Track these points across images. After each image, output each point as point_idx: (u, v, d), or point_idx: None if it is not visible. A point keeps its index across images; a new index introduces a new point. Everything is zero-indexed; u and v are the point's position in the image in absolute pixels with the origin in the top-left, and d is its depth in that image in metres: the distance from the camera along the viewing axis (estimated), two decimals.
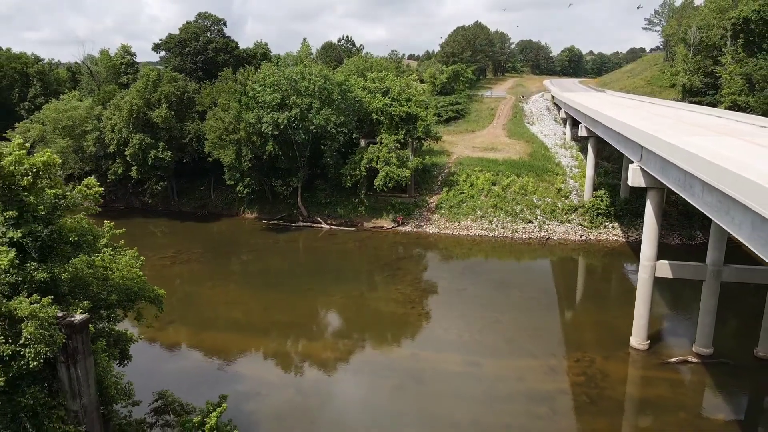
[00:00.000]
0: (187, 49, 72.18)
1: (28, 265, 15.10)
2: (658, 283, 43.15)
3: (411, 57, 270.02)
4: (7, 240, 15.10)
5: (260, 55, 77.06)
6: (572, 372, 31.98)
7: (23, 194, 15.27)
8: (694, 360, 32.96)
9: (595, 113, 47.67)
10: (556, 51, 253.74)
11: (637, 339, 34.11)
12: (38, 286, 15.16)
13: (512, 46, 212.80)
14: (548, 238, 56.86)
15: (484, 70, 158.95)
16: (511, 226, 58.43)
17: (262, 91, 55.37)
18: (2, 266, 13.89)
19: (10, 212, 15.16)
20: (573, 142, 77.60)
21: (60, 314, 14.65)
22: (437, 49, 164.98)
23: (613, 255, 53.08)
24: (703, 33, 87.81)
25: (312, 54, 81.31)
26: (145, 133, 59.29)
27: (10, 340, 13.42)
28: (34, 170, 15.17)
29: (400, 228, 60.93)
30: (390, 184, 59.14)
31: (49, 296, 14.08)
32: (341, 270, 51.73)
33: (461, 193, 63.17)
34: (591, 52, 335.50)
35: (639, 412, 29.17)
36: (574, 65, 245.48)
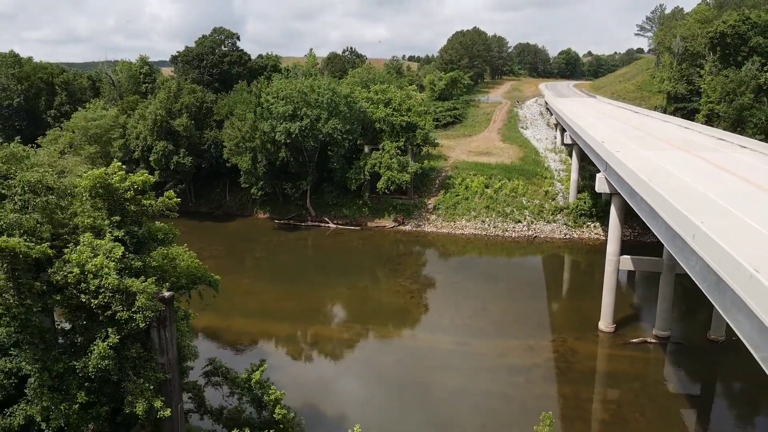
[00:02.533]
0: (204, 62, 77.86)
1: (128, 256, 20.58)
2: (630, 276, 48.91)
3: (411, 58, 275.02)
4: (113, 237, 20.61)
5: (271, 67, 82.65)
6: (547, 350, 37.53)
7: (126, 204, 20.79)
8: (653, 341, 38.46)
9: (577, 126, 53.06)
10: (556, 51, 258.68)
11: (605, 323, 39.64)
12: (134, 272, 20.66)
13: (510, 50, 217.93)
14: (535, 236, 62.36)
15: (481, 74, 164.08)
16: (501, 226, 63.92)
17: (276, 102, 60.92)
18: (117, 256, 19.38)
19: (116, 217, 20.71)
20: (563, 146, 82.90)
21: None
22: (437, 53, 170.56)
23: (593, 252, 58.52)
24: (687, 43, 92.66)
25: (318, 63, 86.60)
26: (168, 141, 64.84)
27: (125, 308, 18.93)
28: (135, 186, 20.70)
29: (401, 227, 66.43)
30: (391, 187, 64.65)
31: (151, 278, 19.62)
32: (347, 265, 57.21)
33: (457, 195, 68.68)
34: (590, 53, 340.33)
35: (600, 381, 34.86)
36: (570, 67, 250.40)
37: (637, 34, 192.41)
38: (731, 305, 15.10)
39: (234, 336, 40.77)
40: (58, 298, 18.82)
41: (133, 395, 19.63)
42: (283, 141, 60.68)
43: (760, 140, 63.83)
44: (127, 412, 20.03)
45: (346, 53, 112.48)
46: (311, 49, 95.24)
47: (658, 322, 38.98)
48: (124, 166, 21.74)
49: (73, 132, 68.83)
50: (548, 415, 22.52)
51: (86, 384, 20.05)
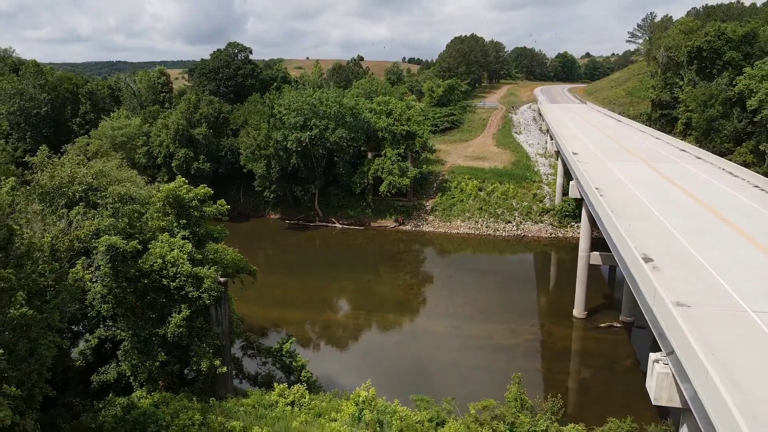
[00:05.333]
0: (220, 75, 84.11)
1: (192, 250, 26.73)
2: (611, 270, 54.93)
3: (411, 60, 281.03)
4: (181, 236, 26.79)
5: (280, 78, 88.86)
6: (527, 333, 43.68)
7: (190, 210, 26.97)
8: (619, 325, 44.59)
9: (559, 137, 59.17)
10: (555, 51, 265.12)
11: (578, 310, 45.73)
12: (196, 263, 26.81)
13: (507, 53, 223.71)
14: (524, 235, 68.54)
15: (479, 79, 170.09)
16: (493, 226, 70.08)
17: (288, 114, 67.14)
18: (188, 250, 25.53)
19: (183, 220, 26.91)
20: (553, 150, 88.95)
21: None
22: (436, 57, 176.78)
23: (575, 249, 64.17)
24: (671, 53, 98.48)
25: (323, 73, 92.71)
26: (188, 148, 71.04)
27: (195, 289, 25.08)
28: (198, 197, 26.90)
29: (401, 227, 72.62)
30: (393, 190, 70.87)
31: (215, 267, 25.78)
32: (352, 261, 63.33)
33: (453, 198, 74.85)
34: (588, 54, 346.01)
35: (570, 358, 41.03)
36: (567, 71, 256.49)
37: (628, 41, 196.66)
38: (635, 287, 21.18)
39: (256, 321, 46.79)
40: (146, 281, 24.98)
41: (198, 356, 25.84)
42: (294, 149, 66.90)
43: (728, 148, 70.39)
44: (194, 369, 26.28)
45: (350, 63, 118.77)
46: (317, 61, 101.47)
47: (623, 310, 45.02)
48: (186, 181, 27.96)
49: (100, 139, 74.96)
50: (517, 375, 28.76)
51: (159, 349, 26.26)
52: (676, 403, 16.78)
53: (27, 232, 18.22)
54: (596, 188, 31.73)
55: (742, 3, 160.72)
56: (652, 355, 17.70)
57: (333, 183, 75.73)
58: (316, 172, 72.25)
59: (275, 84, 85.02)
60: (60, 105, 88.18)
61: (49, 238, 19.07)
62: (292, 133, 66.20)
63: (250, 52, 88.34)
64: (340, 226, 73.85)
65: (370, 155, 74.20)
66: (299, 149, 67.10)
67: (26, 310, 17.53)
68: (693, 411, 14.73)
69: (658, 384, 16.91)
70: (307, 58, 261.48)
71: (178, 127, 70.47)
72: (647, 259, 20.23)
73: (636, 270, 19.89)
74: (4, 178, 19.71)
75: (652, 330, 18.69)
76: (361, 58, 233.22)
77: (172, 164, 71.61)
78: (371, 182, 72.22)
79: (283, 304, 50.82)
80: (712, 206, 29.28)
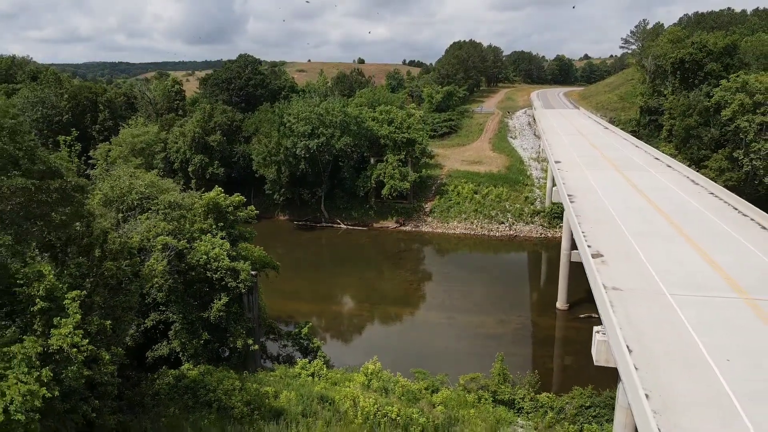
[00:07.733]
0: (232, 85, 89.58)
1: (229, 248, 32.05)
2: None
3: (412, 63, 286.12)
4: (220, 236, 32.12)
5: (288, 88, 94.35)
6: (515, 323, 49.01)
7: (227, 214, 32.31)
8: (596, 316, 49.67)
9: (547, 145, 64.43)
10: (555, 52, 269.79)
11: (561, 303, 51.02)
12: (232, 258, 32.12)
13: (505, 57, 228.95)
14: (516, 235, 73.89)
15: (477, 83, 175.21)
16: (487, 226, 75.44)
17: (297, 123, 72.55)
18: (227, 248, 30.84)
19: (221, 223, 32.26)
20: (546, 154, 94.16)
21: None
22: (435, 61, 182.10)
23: None
24: (658, 61, 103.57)
25: (328, 81, 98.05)
26: (204, 154, 76.44)
27: (233, 280, 30.39)
28: (233, 204, 32.24)
29: (402, 228, 77.99)
30: (394, 193, 76.27)
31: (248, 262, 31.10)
32: (356, 260, 68.64)
33: (450, 200, 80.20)
34: (586, 56, 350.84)
35: (551, 344, 46.37)
36: (564, 74, 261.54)
37: (621, 47, 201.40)
38: (588, 276, 26.51)
39: (270, 313, 51.67)
40: (193, 274, 30.30)
41: (234, 336, 31.17)
42: (302, 155, 72.32)
43: (705, 155, 75.57)
44: (230, 347, 31.62)
45: (353, 72, 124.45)
46: (322, 70, 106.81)
47: None
48: (222, 190, 33.37)
49: (121, 146, 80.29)
50: (500, 354, 34.18)
51: (203, 330, 31.57)
52: (612, 364, 22.08)
53: (113, 233, 23.55)
54: (569, 195, 37.13)
55: (733, 10, 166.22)
56: (595, 328, 23.03)
57: (338, 186, 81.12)
58: (323, 177, 77.64)
59: (283, 93, 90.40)
60: (80, 113, 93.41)
61: (137, 239, 24.35)
62: (301, 141, 71.59)
63: (259, 63, 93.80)
64: (345, 226, 79.18)
65: (372, 161, 79.59)
66: (307, 155, 72.49)
67: (97, 297, 22.81)
68: (617, 368, 20.07)
69: (598, 349, 22.21)
70: (309, 60, 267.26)
71: (194, 134, 75.84)
72: (598, 255, 25.59)
73: (587, 263, 25.25)
74: (91, 190, 25.00)
75: (597, 308, 24.01)
76: (362, 61, 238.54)
77: (189, 169, 76.95)
78: (374, 186, 77.61)
79: (294, 298, 56.05)
80: (665, 211, 34.59)
